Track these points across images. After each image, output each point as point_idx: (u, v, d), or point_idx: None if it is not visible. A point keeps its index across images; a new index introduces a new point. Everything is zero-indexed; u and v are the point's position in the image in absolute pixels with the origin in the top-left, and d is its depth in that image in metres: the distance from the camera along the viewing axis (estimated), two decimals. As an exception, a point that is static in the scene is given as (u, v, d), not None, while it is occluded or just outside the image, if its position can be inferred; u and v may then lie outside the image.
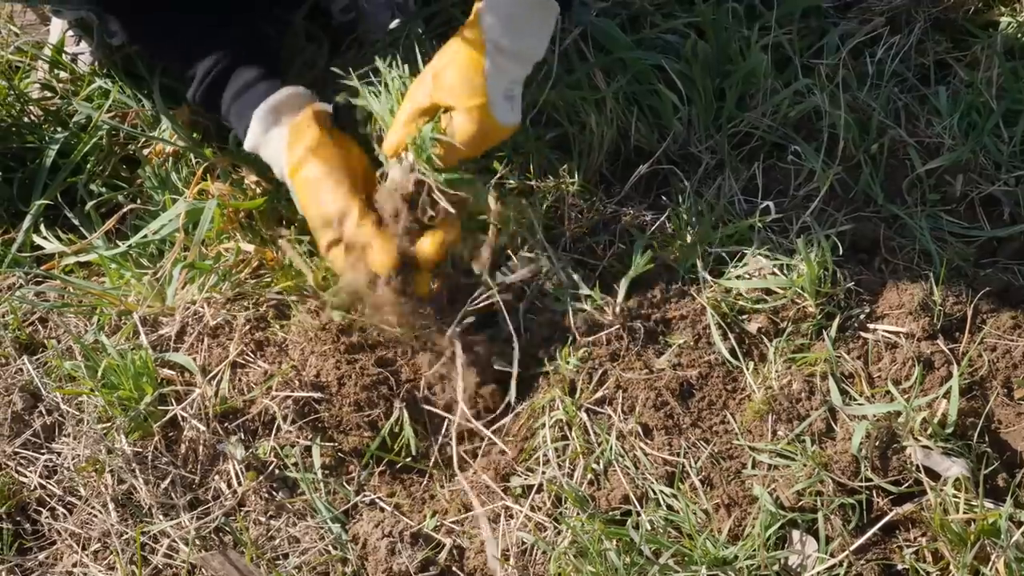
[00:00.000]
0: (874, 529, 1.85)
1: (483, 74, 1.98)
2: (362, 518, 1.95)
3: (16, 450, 2.02)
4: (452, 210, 2.02)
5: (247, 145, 2.17)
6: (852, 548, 1.84)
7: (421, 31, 2.51)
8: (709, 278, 2.14)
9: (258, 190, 2.31)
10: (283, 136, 2.12)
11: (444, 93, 1.99)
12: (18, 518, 1.98)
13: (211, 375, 2.05)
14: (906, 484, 1.91)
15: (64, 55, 2.59)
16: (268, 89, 2.16)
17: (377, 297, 2.05)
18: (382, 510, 1.96)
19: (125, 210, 2.30)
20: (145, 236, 2.24)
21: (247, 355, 2.10)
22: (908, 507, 1.90)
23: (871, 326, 2.10)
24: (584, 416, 1.99)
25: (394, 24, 2.53)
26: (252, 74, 2.18)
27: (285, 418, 2.01)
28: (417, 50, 2.19)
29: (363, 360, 2.09)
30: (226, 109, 2.20)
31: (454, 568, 1.92)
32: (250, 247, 2.20)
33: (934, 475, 1.91)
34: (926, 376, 2.01)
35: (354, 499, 1.97)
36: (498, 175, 2.29)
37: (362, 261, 2.05)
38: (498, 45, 1.98)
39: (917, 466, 1.92)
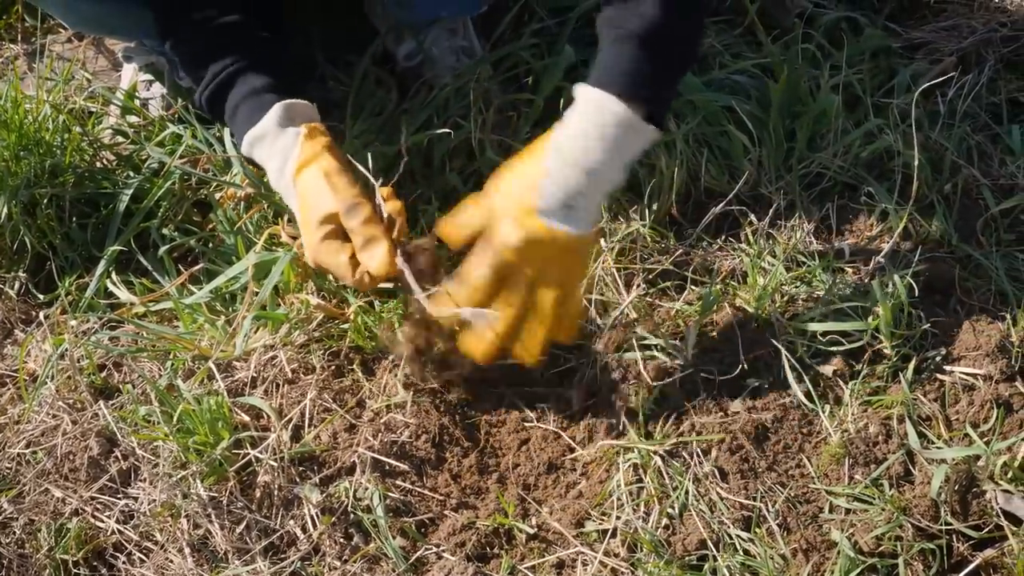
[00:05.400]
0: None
1: (539, 181, 1.93)
2: (437, 563, 1.94)
3: (93, 495, 2.03)
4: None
5: (250, 136, 2.11)
6: (934, 595, 1.82)
7: (489, 75, 2.52)
8: (783, 320, 2.13)
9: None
10: (300, 132, 2.08)
11: (499, 196, 1.97)
12: (95, 563, 1.98)
13: (286, 419, 2.06)
14: (987, 529, 1.90)
15: (135, 100, 2.62)
16: (280, 98, 2.13)
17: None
18: (453, 555, 1.95)
19: (198, 268, 2.31)
20: (217, 287, 2.25)
21: (321, 401, 2.10)
22: (989, 552, 1.88)
23: (948, 368, 2.08)
24: (659, 460, 1.98)
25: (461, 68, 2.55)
26: (262, 82, 2.15)
27: (362, 462, 2.01)
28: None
29: (440, 407, 2.10)
30: (231, 109, 2.16)
31: (530, 614, 1.92)
32: (318, 300, 2.19)
33: (1016, 520, 1.90)
34: (1005, 419, 1.99)
35: (430, 545, 1.96)
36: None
37: (361, 254, 2.01)
38: (563, 141, 1.94)
39: (998, 511, 1.90)
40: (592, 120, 1.93)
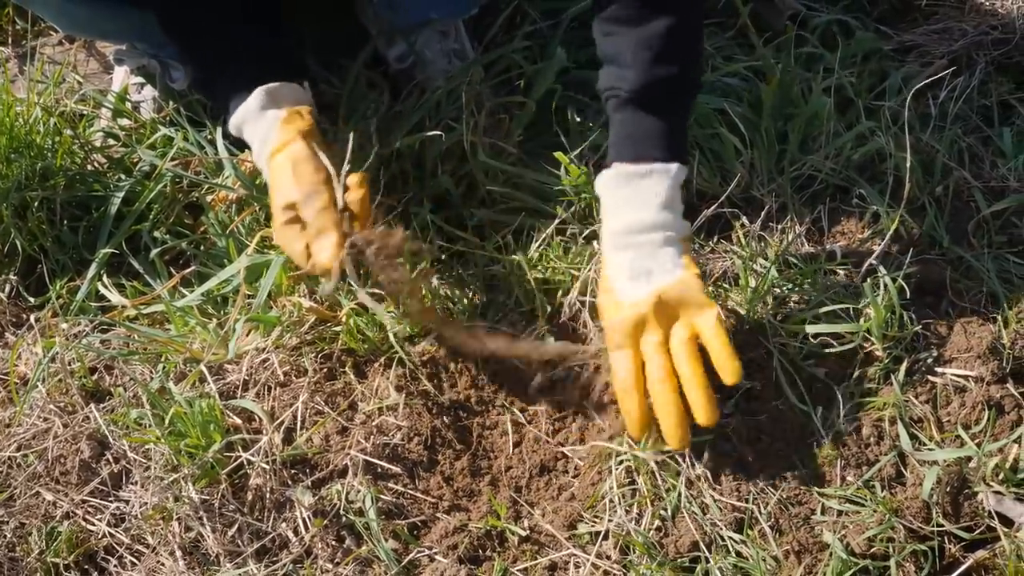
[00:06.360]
0: (951, 577, 1.85)
1: (607, 277, 2.04)
2: (429, 565, 1.94)
3: (84, 498, 2.02)
4: None
5: (235, 119, 2.13)
6: (926, 596, 1.83)
7: (481, 77, 2.52)
8: (775, 322, 2.13)
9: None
10: (279, 116, 2.10)
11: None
12: (86, 566, 1.98)
13: (278, 422, 2.05)
14: (978, 530, 1.91)
15: (127, 103, 2.61)
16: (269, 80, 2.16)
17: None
18: (445, 557, 1.95)
19: (189, 271, 2.31)
20: (208, 290, 2.25)
21: (313, 404, 2.10)
22: (981, 554, 1.89)
23: (939, 370, 2.08)
24: (651, 462, 1.98)
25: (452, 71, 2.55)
26: (254, 70, 2.16)
27: (354, 464, 2.01)
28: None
29: (433, 411, 2.11)
30: (223, 90, 2.17)
31: (522, 616, 1.92)
32: (310, 303, 2.19)
33: (1007, 521, 1.90)
34: (996, 420, 1.99)
35: (422, 547, 1.96)
36: (559, 219, 2.29)
37: (312, 244, 2.02)
38: (604, 231, 2.06)
39: (989, 512, 1.91)
40: (610, 196, 2.05)
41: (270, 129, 2.09)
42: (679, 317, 1.96)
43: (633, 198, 2.01)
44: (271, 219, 2.06)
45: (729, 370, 1.90)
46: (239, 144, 2.42)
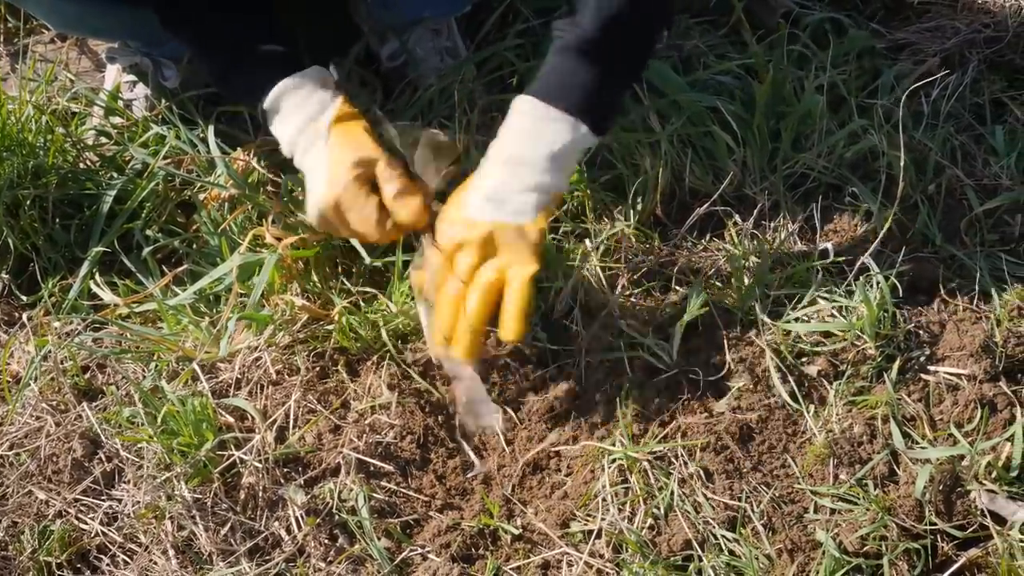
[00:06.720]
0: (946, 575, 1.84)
1: (470, 182, 2.02)
2: (422, 564, 1.94)
3: (77, 497, 2.02)
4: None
5: (284, 84, 2.09)
6: (919, 594, 1.83)
7: (473, 75, 2.52)
8: (768, 321, 2.13)
9: (314, 240, 2.30)
10: (340, 95, 2.11)
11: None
12: (79, 565, 1.98)
13: (271, 420, 2.05)
14: (971, 528, 1.91)
15: (119, 101, 2.61)
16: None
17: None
18: (438, 555, 1.94)
19: (182, 269, 2.30)
20: (201, 288, 2.25)
21: (306, 402, 2.10)
22: (974, 552, 1.89)
23: (932, 368, 2.08)
24: (644, 460, 1.98)
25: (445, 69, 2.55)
26: (279, 52, 2.17)
27: (347, 463, 2.01)
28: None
29: (425, 408, 2.11)
30: (249, 73, 2.17)
31: (515, 615, 1.92)
32: (302, 301, 2.19)
33: (1000, 519, 1.90)
34: (989, 419, 1.99)
35: (415, 546, 1.96)
36: (552, 218, 2.29)
37: (394, 201, 2.05)
38: (492, 146, 2.02)
39: (982, 510, 1.91)
40: (516, 120, 2.01)
41: (331, 100, 2.09)
42: (500, 257, 1.97)
43: (530, 134, 1.98)
44: (329, 177, 2.04)
45: (513, 329, 1.94)
46: (232, 142, 2.43)
